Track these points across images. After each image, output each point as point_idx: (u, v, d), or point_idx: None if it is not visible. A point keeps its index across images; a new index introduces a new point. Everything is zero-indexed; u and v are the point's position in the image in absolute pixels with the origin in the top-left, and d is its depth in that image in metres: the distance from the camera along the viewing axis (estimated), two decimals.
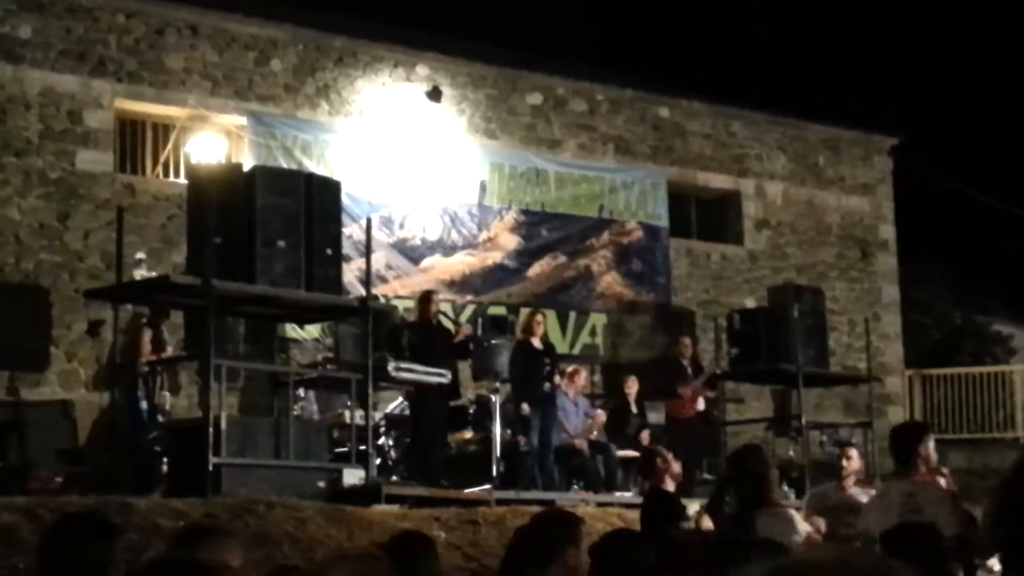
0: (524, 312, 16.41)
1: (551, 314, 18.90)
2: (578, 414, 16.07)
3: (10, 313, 15.53)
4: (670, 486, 9.41)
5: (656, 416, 17.42)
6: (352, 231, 16.48)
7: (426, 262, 18.53)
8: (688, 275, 21.02)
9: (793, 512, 8.16)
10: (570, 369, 16.33)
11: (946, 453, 21.74)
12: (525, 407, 14.69)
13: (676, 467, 9.53)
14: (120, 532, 4.42)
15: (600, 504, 13.85)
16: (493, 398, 14.56)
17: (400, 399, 14.84)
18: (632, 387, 17.05)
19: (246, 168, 13.72)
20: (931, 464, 7.61)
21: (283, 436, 12.28)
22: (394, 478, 13.79)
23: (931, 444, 7.56)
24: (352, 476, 12.77)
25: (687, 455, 13.68)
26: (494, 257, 19.16)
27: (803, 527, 7.85)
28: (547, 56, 21.71)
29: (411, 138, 18.52)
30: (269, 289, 12.39)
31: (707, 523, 8.50)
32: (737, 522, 7.78)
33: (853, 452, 10.88)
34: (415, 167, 18.49)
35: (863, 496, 10.01)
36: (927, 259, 26.99)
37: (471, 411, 15.19)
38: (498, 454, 14.26)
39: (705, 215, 21.85)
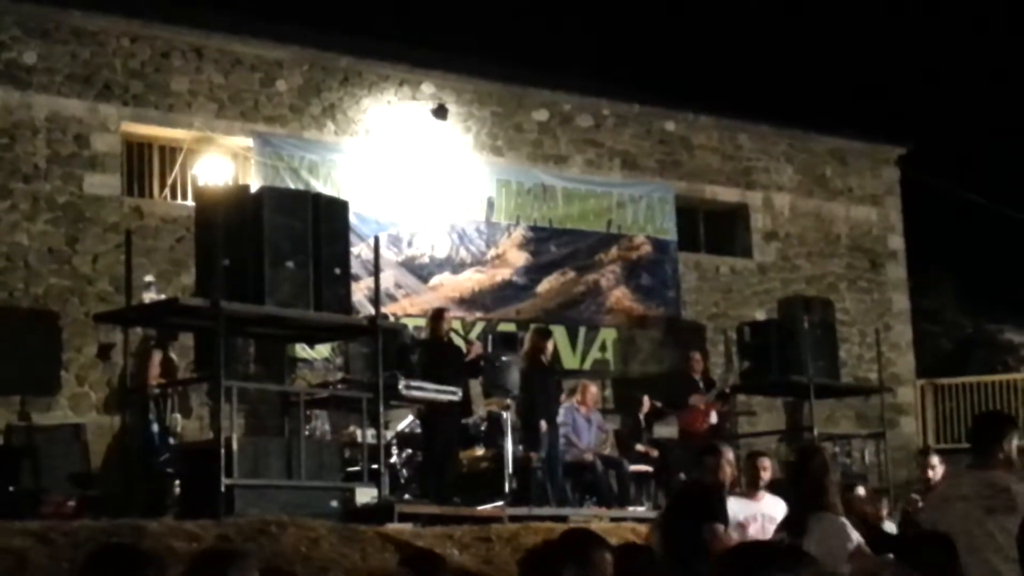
0: (532, 328, 16.41)
1: (561, 330, 18.89)
2: (591, 429, 16.10)
3: (20, 338, 15.55)
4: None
5: (670, 431, 17.42)
6: (360, 250, 16.48)
7: (435, 280, 18.53)
8: (697, 288, 20.99)
9: (845, 520, 7.65)
10: (581, 384, 16.41)
11: (959, 463, 21.76)
12: (543, 424, 14.77)
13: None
14: (152, 562, 4.35)
15: (613, 519, 13.83)
16: (504, 415, 14.56)
17: (411, 417, 14.83)
18: (644, 405, 17.14)
19: (253, 189, 13.74)
20: (1013, 463, 6.99)
21: (295, 456, 12.26)
22: (406, 496, 13.76)
23: (1015, 442, 7.01)
24: (364, 495, 12.75)
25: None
26: (503, 274, 19.16)
27: (855, 536, 7.40)
28: (552, 72, 21.73)
29: (418, 156, 18.53)
30: (278, 310, 12.38)
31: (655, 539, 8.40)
32: (790, 525, 7.58)
33: (767, 461, 10.25)
34: (422, 185, 18.50)
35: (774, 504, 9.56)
36: (936, 268, 26.93)
37: (482, 428, 15.18)
38: (510, 471, 14.24)
39: (713, 228, 21.84)
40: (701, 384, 17.42)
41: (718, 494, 8.48)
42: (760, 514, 9.27)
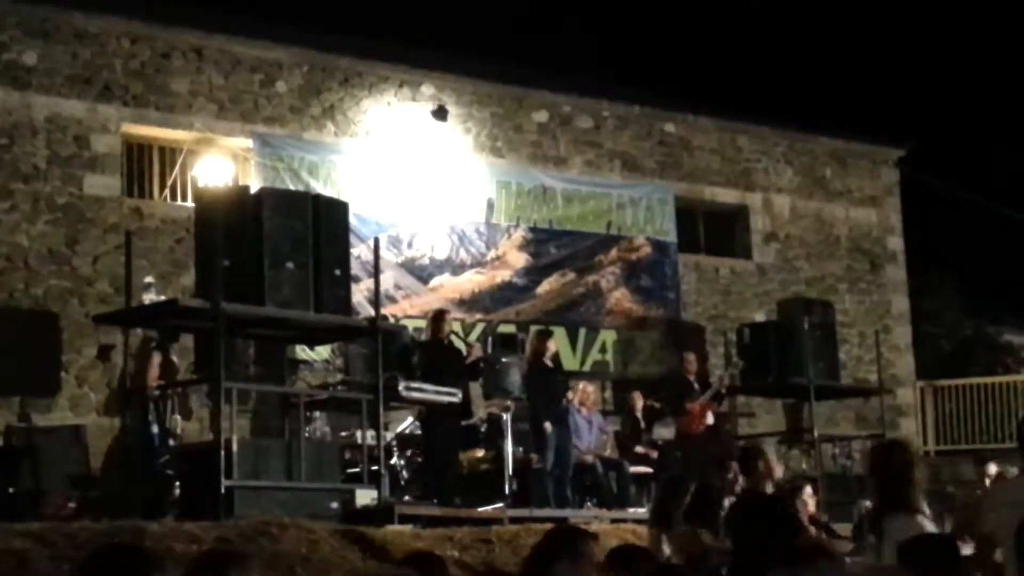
0: (533, 331, 16.43)
1: (561, 331, 18.89)
2: (591, 431, 16.11)
3: (20, 339, 15.54)
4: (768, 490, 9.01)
5: (669, 432, 17.42)
6: (360, 251, 16.48)
7: (435, 281, 18.52)
8: (697, 290, 20.99)
9: (926, 520, 7.21)
10: (579, 386, 16.43)
11: (959, 464, 21.79)
12: (548, 426, 14.76)
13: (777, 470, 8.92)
14: (153, 563, 4.33)
15: (613, 520, 13.83)
16: (504, 416, 14.55)
17: (411, 419, 14.83)
18: (637, 402, 17.15)
19: (253, 190, 13.72)
20: None
21: (295, 458, 12.25)
22: (407, 498, 13.76)
23: None
24: (365, 497, 12.74)
25: (700, 470, 13.66)
26: (503, 275, 19.15)
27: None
28: (552, 74, 21.73)
29: (418, 157, 18.53)
30: (278, 311, 12.37)
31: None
32: (872, 525, 7.41)
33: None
34: (422, 186, 18.50)
35: None
36: (936, 270, 26.95)
37: (482, 429, 15.18)
38: (510, 472, 14.24)
39: (713, 229, 21.84)
40: (696, 385, 17.41)
41: (780, 500, 8.38)
42: None
